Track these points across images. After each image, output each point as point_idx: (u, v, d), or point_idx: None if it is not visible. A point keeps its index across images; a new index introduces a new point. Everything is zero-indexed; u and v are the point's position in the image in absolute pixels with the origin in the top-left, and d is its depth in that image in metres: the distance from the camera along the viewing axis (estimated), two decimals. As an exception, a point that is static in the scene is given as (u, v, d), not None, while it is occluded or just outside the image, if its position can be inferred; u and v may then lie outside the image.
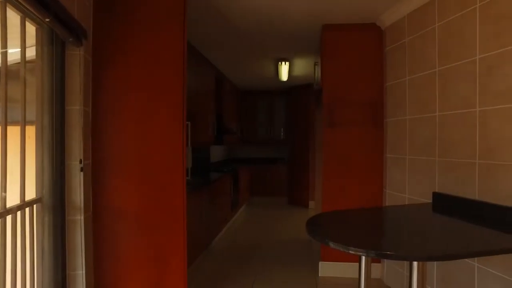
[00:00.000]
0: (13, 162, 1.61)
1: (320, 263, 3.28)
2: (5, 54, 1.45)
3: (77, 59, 2.06)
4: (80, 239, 2.07)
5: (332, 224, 1.84)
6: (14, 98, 1.61)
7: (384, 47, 3.14)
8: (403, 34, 2.81)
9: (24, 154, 1.67)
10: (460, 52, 2.17)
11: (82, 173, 2.07)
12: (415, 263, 1.38)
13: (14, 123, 1.62)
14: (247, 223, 5.53)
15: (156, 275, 2.38)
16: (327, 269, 3.25)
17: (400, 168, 2.86)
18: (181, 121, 2.40)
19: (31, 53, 1.78)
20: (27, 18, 1.65)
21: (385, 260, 3.08)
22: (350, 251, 1.34)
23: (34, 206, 1.80)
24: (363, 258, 1.74)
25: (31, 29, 1.77)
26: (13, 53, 1.62)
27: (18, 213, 1.63)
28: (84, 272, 2.08)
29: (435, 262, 2.33)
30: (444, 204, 2.27)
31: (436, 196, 2.36)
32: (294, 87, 6.81)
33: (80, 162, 2.07)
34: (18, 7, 1.54)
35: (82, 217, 2.07)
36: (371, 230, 1.82)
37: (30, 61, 1.77)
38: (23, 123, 1.65)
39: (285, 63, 4.81)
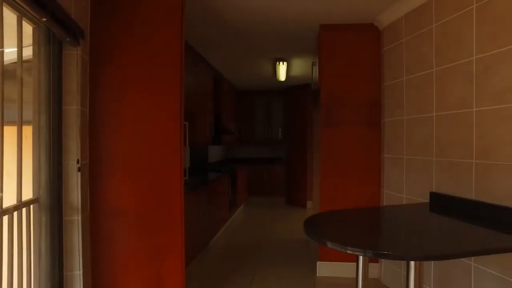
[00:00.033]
0: (10, 162, 1.61)
1: (318, 263, 3.28)
2: (1, 54, 1.44)
3: (74, 58, 2.05)
4: (77, 239, 2.06)
5: (330, 224, 1.84)
6: (11, 98, 1.60)
7: (381, 47, 3.15)
8: (400, 35, 2.82)
9: (21, 154, 1.66)
10: (457, 53, 2.18)
11: (79, 173, 2.07)
12: (412, 263, 1.39)
13: (11, 123, 1.61)
14: (245, 223, 5.53)
15: (154, 275, 2.37)
16: (324, 269, 3.25)
17: (398, 168, 2.87)
18: (179, 121, 2.39)
19: (28, 52, 1.77)
20: (23, 18, 1.64)
21: (382, 260, 3.09)
22: (348, 251, 1.34)
23: (31, 206, 1.79)
24: (361, 258, 1.74)
25: (27, 28, 1.76)
26: (10, 52, 1.61)
27: (15, 213, 1.62)
28: (81, 272, 2.07)
29: (432, 262, 2.34)
30: (441, 204, 2.28)
31: (433, 196, 2.37)
32: (292, 87, 6.81)
33: (78, 162, 2.06)
34: (14, 7, 1.53)
35: (80, 217, 2.07)
36: (368, 230, 1.83)
37: (27, 61, 1.77)
38: (20, 123, 1.64)
39: (283, 63, 4.81)
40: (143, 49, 2.37)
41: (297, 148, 6.83)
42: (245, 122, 7.48)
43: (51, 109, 1.93)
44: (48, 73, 1.92)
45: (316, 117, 3.79)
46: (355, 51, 3.25)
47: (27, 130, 1.80)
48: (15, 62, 1.63)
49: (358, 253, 1.34)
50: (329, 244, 1.39)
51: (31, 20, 1.71)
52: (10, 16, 1.56)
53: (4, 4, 1.46)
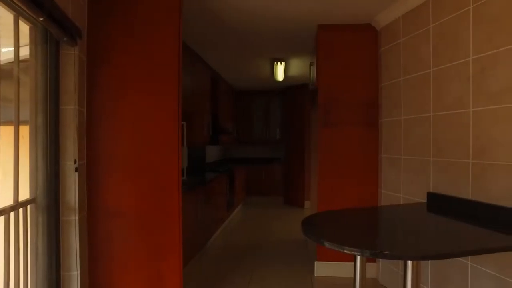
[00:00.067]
0: (7, 162, 1.60)
1: (315, 262, 3.29)
2: (-2, 53, 1.43)
3: (71, 58, 2.04)
4: (74, 239, 2.06)
5: (327, 224, 1.84)
6: (8, 98, 1.59)
7: (379, 47, 3.16)
8: (398, 35, 2.83)
9: (17, 154, 1.65)
10: (454, 53, 2.19)
11: (76, 173, 2.06)
12: (409, 262, 1.39)
13: (8, 122, 1.60)
14: (243, 223, 5.53)
15: (152, 275, 2.37)
16: (322, 268, 3.26)
17: (395, 168, 2.88)
18: (177, 121, 2.39)
19: (24, 52, 1.76)
20: (20, 17, 1.63)
21: (380, 259, 3.09)
22: (345, 251, 1.34)
23: (28, 206, 1.78)
24: (358, 257, 1.75)
25: (24, 28, 1.75)
26: (6, 52, 1.61)
27: (12, 213, 1.61)
28: (78, 272, 2.07)
29: (429, 261, 2.35)
30: (438, 203, 2.29)
31: (431, 195, 2.38)
32: (290, 87, 6.82)
33: (75, 162, 2.05)
34: (11, 6, 1.52)
35: (77, 218, 2.06)
36: (366, 230, 1.83)
37: (24, 60, 1.76)
38: (17, 123, 1.63)
39: (281, 63, 4.82)
40: (140, 49, 2.37)
41: (295, 148, 6.84)
42: (243, 122, 7.48)
43: (48, 109, 1.92)
44: (45, 72, 1.91)
45: (314, 117, 3.79)
46: (352, 51, 3.26)
47: (24, 130, 1.79)
48: (11, 62, 1.62)
49: (356, 253, 1.35)
50: (326, 244, 1.39)
51: (27, 19, 1.70)
52: (6, 16, 1.56)
53: (0, 3, 1.45)
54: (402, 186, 2.79)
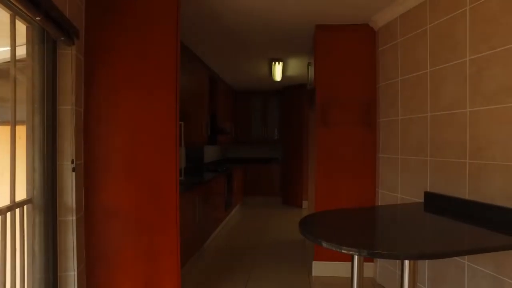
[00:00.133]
0: (3, 163, 1.59)
1: (313, 262, 3.29)
2: (-6, 53, 1.43)
3: (69, 58, 2.03)
4: (71, 240, 2.05)
5: (325, 224, 1.85)
6: (4, 98, 1.58)
7: (376, 47, 3.17)
8: (395, 35, 2.84)
9: (14, 154, 1.65)
10: (451, 54, 2.20)
11: (74, 173, 2.05)
12: (406, 262, 1.40)
13: (4, 122, 1.60)
14: (241, 223, 5.53)
15: (149, 276, 2.36)
16: (320, 268, 3.26)
17: (393, 168, 2.89)
18: (174, 121, 2.39)
19: (21, 51, 1.76)
20: (17, 16, 1.63)
21: (377, 259, 3.10)
22: (343, 251, 1.35)
23: (25, 207, 1.78)
24: (356, 257, 1.75)
25: (21, 27, 1.75)
26: (3, 51, 1.60)
27: (8, 214, 1.60)
28: (75, 273, 2.06)
29: (426, 261, 2.36)
30: (436, 203, 2.30)
31: (428, 195, 2.39)
32: (288, 87, 6.82)
33: (72, 162, 2.05)
34: (7, 5, 1.51)
35: (74, 218, 2.05)
36: (363, 229, 1.84)
37: (21, 60, 1.75)
38: (14, 123, 1.63)
39: (279, 63, 4.82)
40: (138, 48, 2.36)
41: (293, 148, 6.84)
42: (241, 122, 7.48)
43: (45, 109, 1.92)
44: (42, 72, 1.90)
45: (312, 117, 3.80)
46: (350, 52, 3.26)
47: (21, 130, 1.78)
48: (8, 61, 1.61)
49: (353, 253, 1.35)
50: (324, 244, 1.40)
51: (24, 19, 1.70)
52: (2, 15, 1.55)
53: (-3, 2, 1.44)
54: (399, 185, 2.79)
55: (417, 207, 2.31)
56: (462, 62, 2.10)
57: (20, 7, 1.49)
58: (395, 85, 2.85)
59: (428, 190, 2.42)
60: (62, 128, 2.03)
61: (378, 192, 3.15)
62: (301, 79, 6.00)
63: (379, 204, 3.11)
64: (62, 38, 1.89)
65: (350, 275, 1.82)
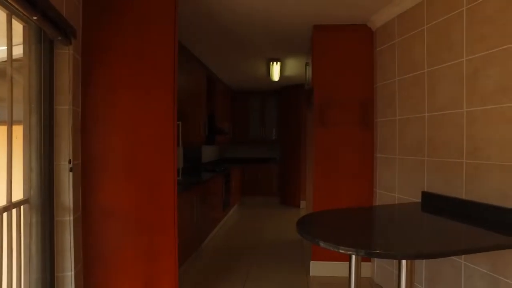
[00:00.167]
0: (0, 162, 1.58)
1: (311, 262, 3.30)
2: (-9, 52, 1.42)
3: (66, 58, 2.03)
4: (69, 240, 2.04)
5: (323, 224, 1.85)
6: (1, 97, 1.58)
7: (374, 48, 3.18)
8: (393, 36, 2.85)
9: (10, 154, 1.64)
10: (448, 54, 2.21)
11: (71, 173, 2.04)
12: (403, 262, 1.40)
13: (1, 122, 1.59)
14: (239, 223, 5.52)
15: (147, 276, 2.36)
16: (318, 268, 3.27)
17: (390, 168, 2.90)
18: (172, 120, 2.38)
19: (18, 51, 1.75)
20: (13, 16, 1.62)
21: (375, 259, 3.11)
22: (340, 251, 1.35)
23: (22, 207, 1.77)
24: (353, 257, 1.75)
25: (18, 27, 1.74)
26: None
27: (5, 214, 1.60)
28: (73, 273, 2.05)
29: (423, 261, 2.37)
30: (433, 203, 2.31)
31: (425, 195, 2.40)
32: (286, 87, 6.83)
33: (69, 162, 2.04)
34: (4, 4, 1.51)
35: (71, 218, 2.04)
36: (361, 229, 1.84)
37: (17, 60, 1.74)
38: (10, 123, 1.62)
39: (277, 63, 4.82)
40: (136, 49, 2.36)
41: (291, 148, 6.85)
42: (239, 122, 7.47)
43: (42, 109, 1.91)
44: (39, 72, 1.89)
45: (310, 117, 3.80)
46: (348, 52, 3.27)
47: (18, 130, 1.78)
48: (4, 61, 1.60)
49: (351, 253, 1.35)
50: (322, 244, 1.40)
51: (21, 18, 1.69)
52: (-1, 14, 1.54)
53: (-7, 2, 1.44)
54: (397, 185, 2.80)
55: (414, 207, 2.32)
56: (459, 62, 2.11)
57: (16, 6, 1.48)
58: (392, 85, 2.86)
59: (425, 190, 2.43)
60: (59, 128, 2.02)
61: (375, 192, 3.16)
62: (299, 79, 6.01)
63: (377, 204, 3.11)
64: (59, 38, 1.88)
65: (347, 275, 1.82)
